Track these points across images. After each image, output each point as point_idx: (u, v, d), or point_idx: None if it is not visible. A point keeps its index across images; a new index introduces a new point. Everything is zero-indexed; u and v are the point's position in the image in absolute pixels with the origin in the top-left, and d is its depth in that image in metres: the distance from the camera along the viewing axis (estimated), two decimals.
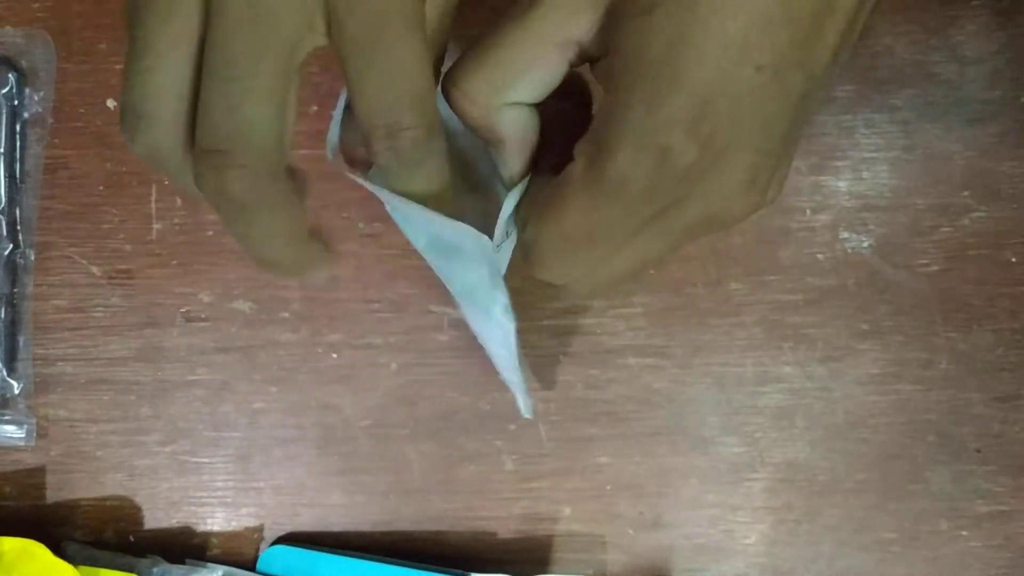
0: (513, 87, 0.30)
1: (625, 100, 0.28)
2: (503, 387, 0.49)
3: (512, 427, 0.54)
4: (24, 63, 0.53)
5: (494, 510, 0.54)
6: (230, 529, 0.54)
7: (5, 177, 0.53)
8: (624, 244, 0.30)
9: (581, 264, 0.31)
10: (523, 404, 0.46)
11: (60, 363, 0.53)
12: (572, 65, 0.31)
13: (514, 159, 0.32)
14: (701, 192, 0.29)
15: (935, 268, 0.54)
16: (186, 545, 0.54)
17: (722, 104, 0.27)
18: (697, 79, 0.26)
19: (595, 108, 0.31)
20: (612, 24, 0.28)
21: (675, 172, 0.28)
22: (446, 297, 0.51)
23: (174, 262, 0.53)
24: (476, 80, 0.31)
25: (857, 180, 0.54)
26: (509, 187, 0.34)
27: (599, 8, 0.28)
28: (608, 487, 0.54)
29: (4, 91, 0.53)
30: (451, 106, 0.32)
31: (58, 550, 0.50)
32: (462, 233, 0.32)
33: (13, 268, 0.53)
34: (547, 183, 0.31)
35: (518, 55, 0.30)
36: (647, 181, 0.28)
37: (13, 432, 0.52)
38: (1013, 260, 0.54)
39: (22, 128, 0.53)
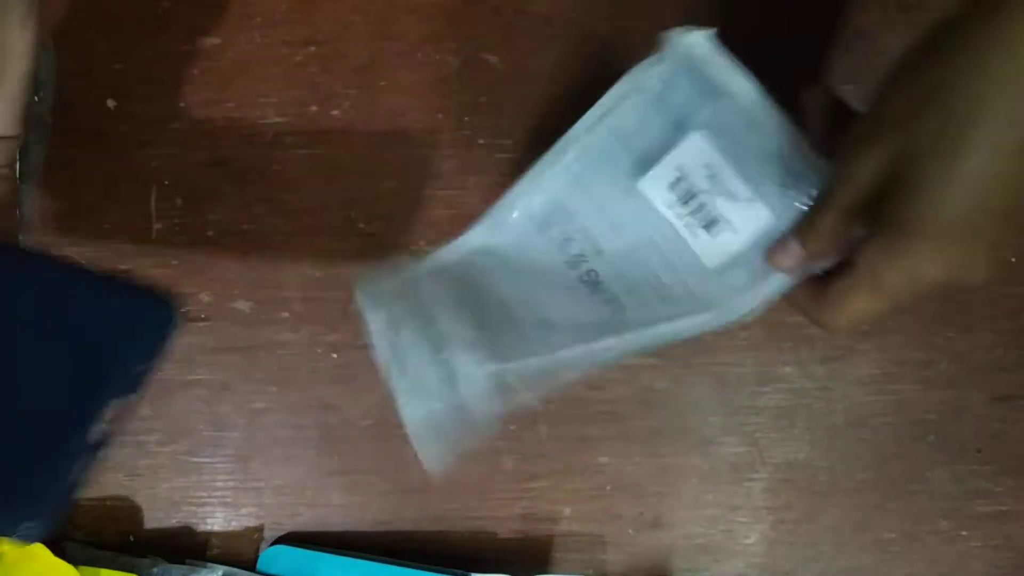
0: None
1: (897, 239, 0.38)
2: None
3: (512, 427, 0.54)
4: None
5: (494, 510, 0.54)
6: (230, 529, 0.54)
7: None
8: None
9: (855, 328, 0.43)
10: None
11: None
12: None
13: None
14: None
15: None
16: (186, 545, 0.54)
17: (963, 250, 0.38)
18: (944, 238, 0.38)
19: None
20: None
21: (928, 285, 0.39)
22: None
23: (174, 262, 0.53)
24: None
25: None
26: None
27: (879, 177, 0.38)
28: (608, 487, 0.54)
29: None
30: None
31: (58, 550, 0.50)
32: None
33: None
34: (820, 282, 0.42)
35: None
36: (909, 292, 0.39)
37: None
38: (1013, 260, 0.54)
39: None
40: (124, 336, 0.39)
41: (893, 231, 0.38)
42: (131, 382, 0.40)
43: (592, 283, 0.44)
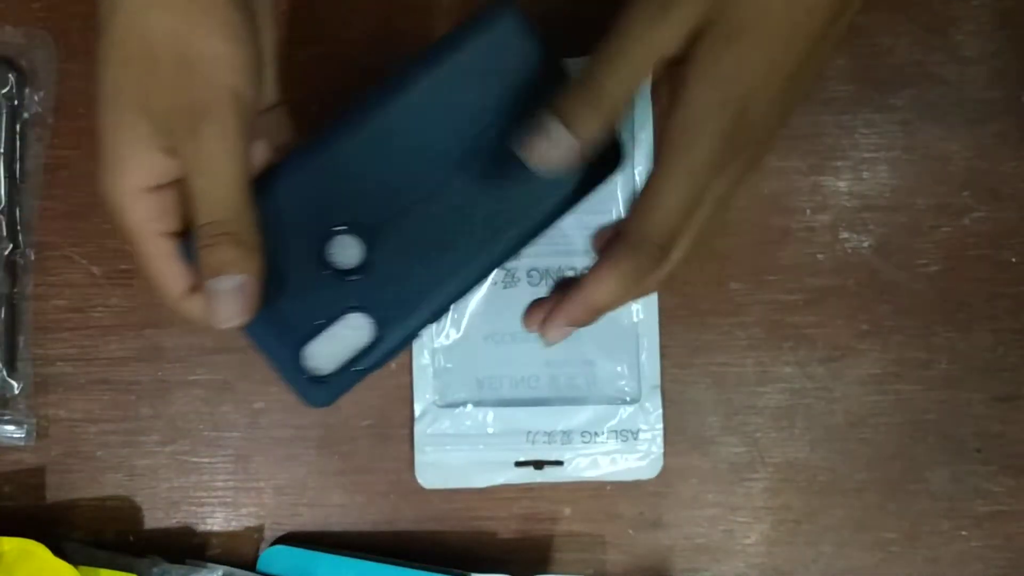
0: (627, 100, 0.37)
1: (702, 104, 0.35)
2: None
3: None
4: (24, 63, 0.53)
5: (494, 510, 0.54)
6: (230, 529, 0.54)
7: (5, 177, 0.53)
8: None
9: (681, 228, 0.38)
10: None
11: (60, 363, 0.53)
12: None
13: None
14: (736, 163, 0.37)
15: (935, 268, 0.54)
16: (186, 545, 0.54)
17: (762, 102, 0.36)
18: (751, 85, 0.35)
19: None
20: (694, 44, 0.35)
21: (730, 151, 0.36)
22: None
23: None
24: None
25: (857, 180, 0.54)
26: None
27: (685, 31, 0.35)
28: (608, 487, 0.54)
29: (4, 91, 0.53)
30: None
31: (58, 550, 0.50)
32: None
33: (13, 268, 0.53)
34: None
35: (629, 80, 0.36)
36: (716, 158, 0.35)
37: (13, 432, 0.52)
38: (1013, 260, 0.54)
39: (22, 128, 0.53)
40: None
41: (702, 82, 0.35)
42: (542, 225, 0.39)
43: None
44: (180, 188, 0.37)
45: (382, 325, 0.39)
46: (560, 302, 0.38)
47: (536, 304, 0.40)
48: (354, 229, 0.39)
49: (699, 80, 0.35)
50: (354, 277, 0.39)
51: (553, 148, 0.36)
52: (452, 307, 0.41)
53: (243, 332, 0.39)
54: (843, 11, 0.37)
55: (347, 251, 0.39)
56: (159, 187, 0.37)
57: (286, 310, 0.39)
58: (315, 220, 0.39)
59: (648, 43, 0.35)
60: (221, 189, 0.36)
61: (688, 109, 0.35)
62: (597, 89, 0.35)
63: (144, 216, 0.38)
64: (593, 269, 0.38)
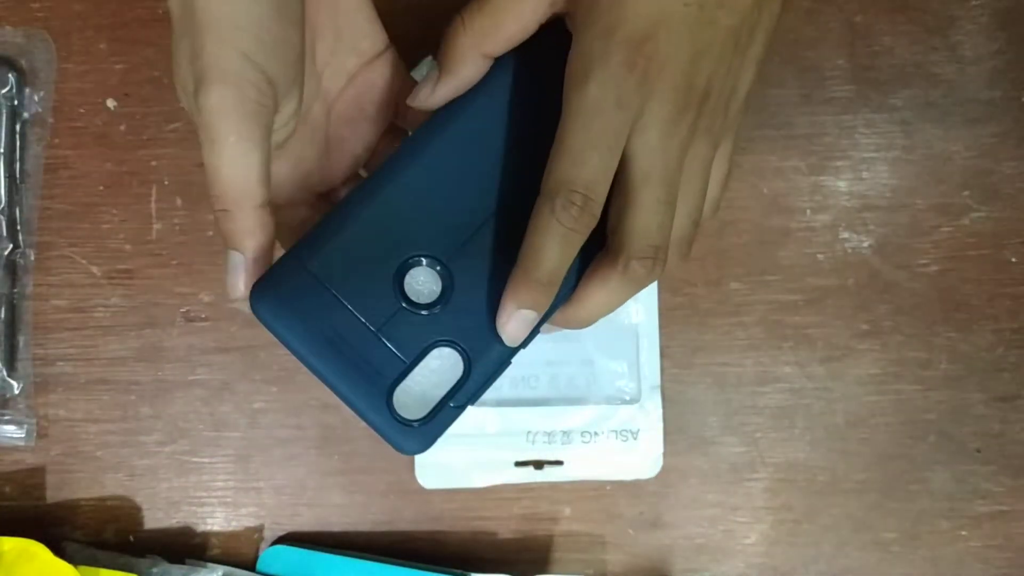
0: (500, 45, 0.39)
1: (588, 40, 0.36)
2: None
3: None
4: (24, 63, 0.53)
5: (494, 510, 0.54)
6: (230, 529, 0.54)
7: (5, 177, 0.53)
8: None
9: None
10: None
11: (60, 363, 0.53)
12: (541, 24, 0.39)
13: (449, 92, 0.39)
14: (652, 103, 0.36)
15: (935, 268, 0.54)
16: (186, 545, 0.54)
17: (661, 31, 0.35)
18: (639, 13, 0.35)
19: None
20: None
21: (633, 82, 0.35)
22: None
23: (174, 262, 0.53)
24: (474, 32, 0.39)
25: (857, 180, 0.54)
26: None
27: None
28: (608, 487, 0.54)
29: (4, 91, 0.53)
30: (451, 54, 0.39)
31: (58, 550, 0.50)
32: None
33: (13, 268, 0.53)
34: None
35: (508, 20, 0.38)
36: (615, 91, 0.35)
37: (13, 432, 0.52)
38: (1013, 260, 0.54)
39: (22, 128, 0.53)
40: None
41: (589, 20, 0.36)
42: None
43: None
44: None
45: (471, 355, 0.37)
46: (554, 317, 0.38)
47: None
48: (428, 260, 0.37)
49: (583, 17, 0.36)
50: (434, 309, 0.37)
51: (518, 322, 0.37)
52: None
53: (328, 385, 0.37)
54: None
55: (424, 283, 0.37)
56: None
57: (368, 355, 0.36)
58: (388, 256, 0.37)
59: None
60: (229, 163, 0.36)
61: (576, 48, 0.36)
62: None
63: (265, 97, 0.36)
64: (584, 284, 0.38)
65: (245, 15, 0.35)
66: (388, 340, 0.36)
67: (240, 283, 0.37)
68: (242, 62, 0.35)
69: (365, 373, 0.36)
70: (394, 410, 0.36)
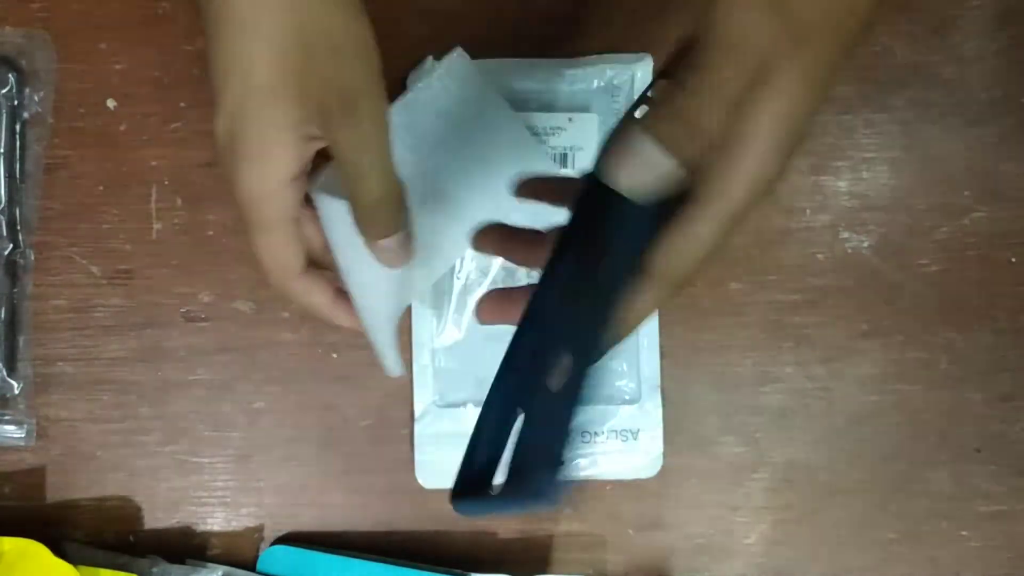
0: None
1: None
2: None
3: None
4: (24, 63, 0.53)
5: None
6: (230, 529, 0.54)
7: (5, 177, 0.53)
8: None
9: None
10: (392, 363, 0.45)
11: (60, 363, 0.53)
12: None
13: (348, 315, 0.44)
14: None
15: (935, 268, 0.54)
16: (186, 545, 0.54)
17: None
18: None
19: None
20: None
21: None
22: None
23: (174, 262, 0.53)
24: None
25: (857, 180, 0.54)
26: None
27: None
28: (608, 487, 0.54)
29: (4, 91, 0.53)
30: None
31: (58, 550, 0.50)
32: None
33: (13, 268, 0.53)
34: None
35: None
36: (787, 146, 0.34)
37: (13, 432, 0.52)
38: (1013, 260, 0.54)
39: (22, 128, 0.53)
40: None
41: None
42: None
43: None
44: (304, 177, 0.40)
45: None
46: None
47: (492, 297, 0.41)
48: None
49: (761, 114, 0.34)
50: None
51: (645, 169, 0.34)
52: None
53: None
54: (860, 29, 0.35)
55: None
56: (298, 176, 0.39)
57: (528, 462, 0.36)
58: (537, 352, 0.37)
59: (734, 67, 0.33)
60: (384, 161, 0.38)
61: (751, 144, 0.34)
62: (695, 108, 0.33)
63: (289, 204, 0.39)
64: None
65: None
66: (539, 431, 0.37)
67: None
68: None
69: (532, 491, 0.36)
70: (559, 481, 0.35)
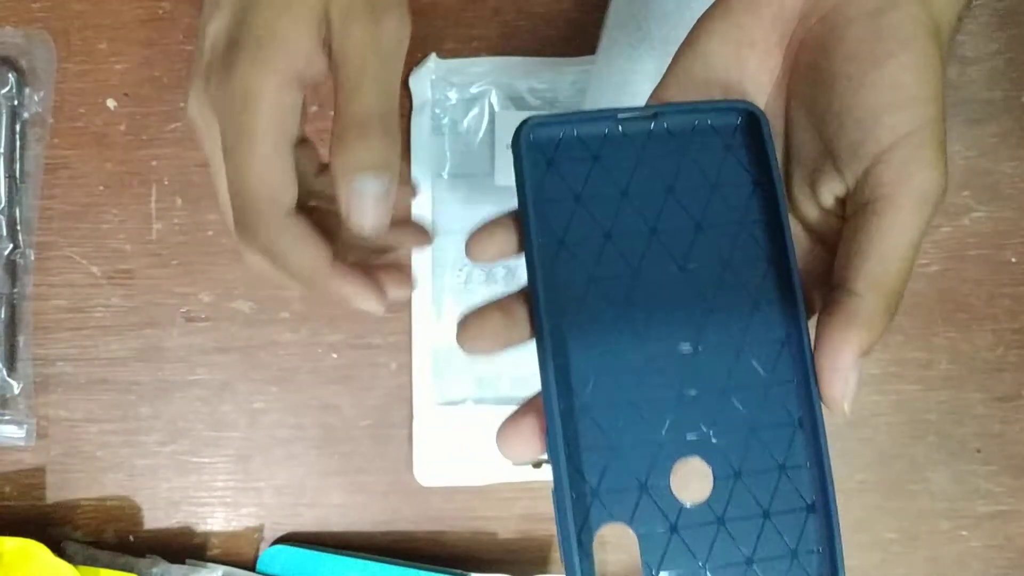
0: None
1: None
2: None
3: None
4: (24, 63, 0.53)
5: (494, 510, 0.54)
6: (230, 529, 0.54)
7: (5, 177, 0.53)
8: None
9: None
10: None
11: (60, 363, 0.53)
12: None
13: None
14: None
15: (935, 268, 0.54)
16: (186, 545, 0.54)
17: None
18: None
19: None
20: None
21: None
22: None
23: (174, 262, 0.53)
24: None
25: None
26: None
27: None
28: None
29: (4, 91, 0.53)
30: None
31: (58, 550, 0.50)
32: None
33: (13, 268, 0.53)
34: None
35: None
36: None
37: (13, 432, 0.52)
38: (1013, 260, 0.54)
39: (22, 128, 0.53)
40: None
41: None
42: None
43: None
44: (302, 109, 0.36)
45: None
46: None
47: (476, 315, 0.34)
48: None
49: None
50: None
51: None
52: None
53: None
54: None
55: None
56: (299, 86, 0.35)
57: None
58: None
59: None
60: (392, 79, 0.35)
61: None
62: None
63: (287, 111, 0.34)
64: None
65: None
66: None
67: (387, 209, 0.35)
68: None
69: None
70: None
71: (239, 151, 0.34)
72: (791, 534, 0.33)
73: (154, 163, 0.53)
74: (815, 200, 0.34)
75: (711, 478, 0.31)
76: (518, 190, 0.32)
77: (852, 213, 0.33)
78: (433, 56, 0.52)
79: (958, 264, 0.54)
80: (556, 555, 0.54)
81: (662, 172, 0.33)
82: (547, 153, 0.32)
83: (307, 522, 0.54)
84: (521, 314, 0.32)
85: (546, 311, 0.31)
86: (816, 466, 0.33)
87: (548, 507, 0.54)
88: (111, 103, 0.53)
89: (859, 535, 0.54)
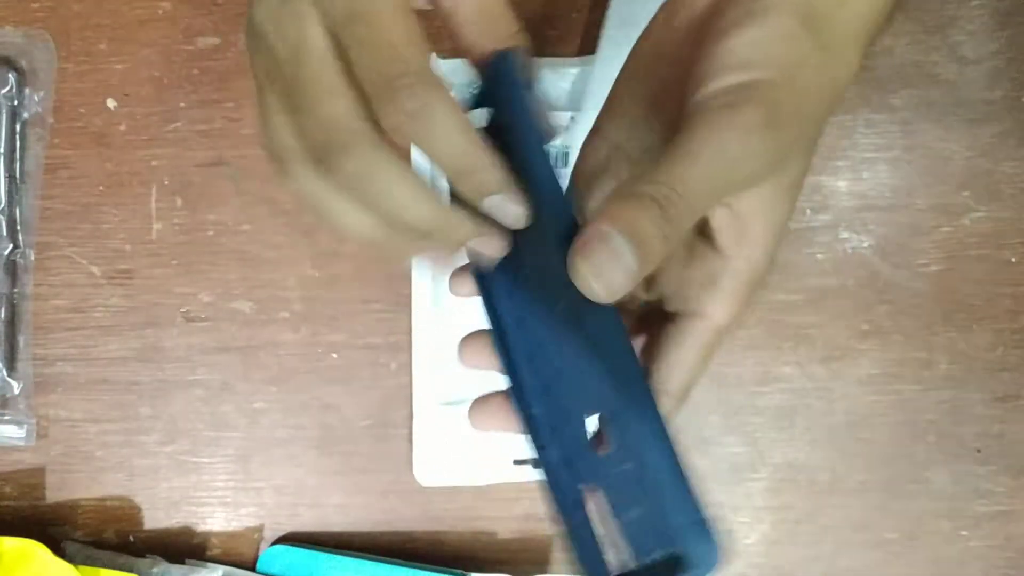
0: None
1: None
2: None
3: None
4: (24, 63, 0.53)
5: (494, 510, 0.54)
6: (230, 529, 0.54)
7: (5, 177, 0.53)
8: None
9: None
10: None
11: (60, 363, 0.53)
12: None
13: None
14: None
15: (935, 268, 0.54)
16: (186, 545, 0.54)
17: None
18: None
19: None
20: None
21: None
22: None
23: (174, 262, 0.53)
24: None
25: (857, 180, 0.54)
26: None
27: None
28: None
29: (4, 91, 0.53)
30: None
31: (58, 550, 0.50)
32: None
33: (13, 268, 0.53)
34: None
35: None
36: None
37: (13, 432, 0.52)
38: (1013, 260, 0.54)
39: (22, 128, 0.53)
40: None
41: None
42: None
43: None
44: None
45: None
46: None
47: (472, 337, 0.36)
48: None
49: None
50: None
51: (614, 268, 0.29)
52: None
53: None
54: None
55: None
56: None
57: None
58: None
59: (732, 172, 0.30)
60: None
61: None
62: (672, 208, 0.29)
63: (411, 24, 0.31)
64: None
65: None
66: None
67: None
68: None
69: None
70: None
71: (366, 16, 0.30)
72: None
73: (154, 163, 0.53)
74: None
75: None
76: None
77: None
78: (433, 56, 0.52)
79: (958, 264, 0.54)
80: (556, 555, 0.54)
81: None
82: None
83: (307, 522, 0.54)
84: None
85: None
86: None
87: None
88: (111, 103, 0.53)
89: (859, 535, 0.54)
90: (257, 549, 0.53)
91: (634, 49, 0.35)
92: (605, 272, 0.29)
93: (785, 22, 0.31)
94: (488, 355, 0.36)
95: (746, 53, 0.30)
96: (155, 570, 0.51)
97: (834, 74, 0.32)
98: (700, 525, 0.33)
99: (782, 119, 0.30)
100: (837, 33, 0.32)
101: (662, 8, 0.35)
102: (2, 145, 0.53)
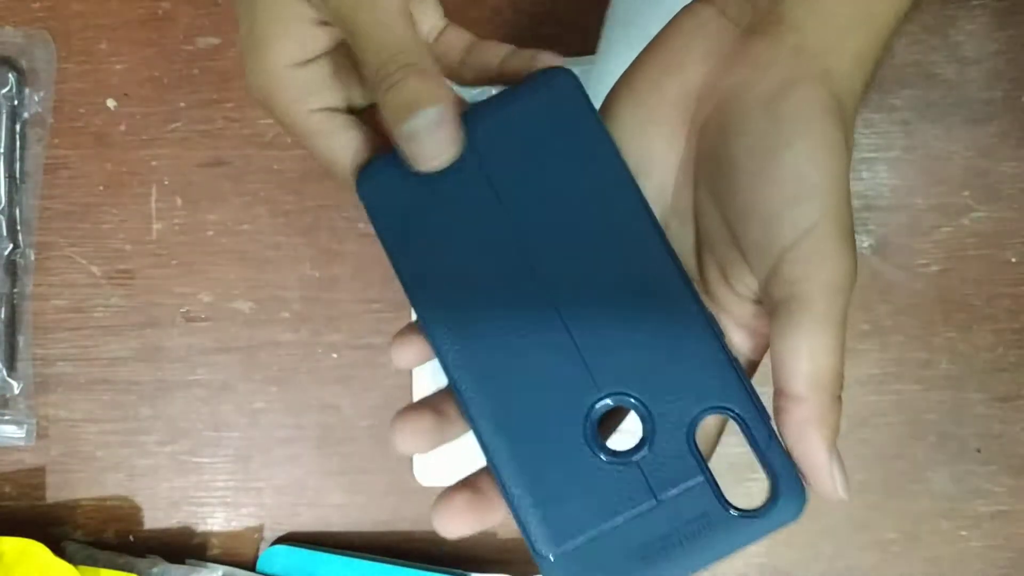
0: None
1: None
2: None
3: None
4: (24, 63, 0.53)
5: None
6: (230, 529, 0.54)
7: (5, 177, 0.53)
8: None
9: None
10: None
11: (60, 363, 0.53)
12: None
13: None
14: None
15: (935, 268, 0.54)
16: (186, 545, 0.54)
17: None
18: None
19: None
20: None
21: None
22: None
23: (174, 262, 0.53)
24: None
25: (857, 180, 0.54)
26: None
27: None
28: None
29: (4, 91, 0.53)
30: None
31: (58, 550, 0.50)
32: None
33: (13, 268, 0.53)
34: None
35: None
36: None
37: (13, 432, 0.53)
38: (1013, 260, 0.54)
39: (22, 128, 0.53)
40: None
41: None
42: None
43: None
44: (333, 60, 0.35)
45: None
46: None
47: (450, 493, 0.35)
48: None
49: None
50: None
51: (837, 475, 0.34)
52: None
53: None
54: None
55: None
56: (309, 61, 0.34)
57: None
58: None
59: None
60: (392, 19, 0.32)
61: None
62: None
63: (296, 94, 0.34)
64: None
65: None
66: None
67: (452, 137, 0.32)
68: None
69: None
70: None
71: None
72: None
73: (154, 163, 0.53)
74: (731, 290, 0.34)
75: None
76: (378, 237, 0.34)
77: (770, 311, 0.33)
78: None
79: (958, 264, 0.54)
80: None
81: (508, 168, 0.33)
82: (394, 192, 0.34)
83: (307, 522, 0.54)
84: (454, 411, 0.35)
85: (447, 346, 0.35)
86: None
87: None
88: (111, 103, 0.53)
89: (859, 535, 0.54)
90: (257, 549, 0.53)
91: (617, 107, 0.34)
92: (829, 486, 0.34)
93: (824, 128, 0.33)
94: (417, 349, 0.36)
95: (810, 178, 0.33)
96: (155, 570, 0.51)
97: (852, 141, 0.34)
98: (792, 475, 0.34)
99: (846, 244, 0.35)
100: (852, 108, 0.33)
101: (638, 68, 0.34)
102: (2, 145, 0.53)
